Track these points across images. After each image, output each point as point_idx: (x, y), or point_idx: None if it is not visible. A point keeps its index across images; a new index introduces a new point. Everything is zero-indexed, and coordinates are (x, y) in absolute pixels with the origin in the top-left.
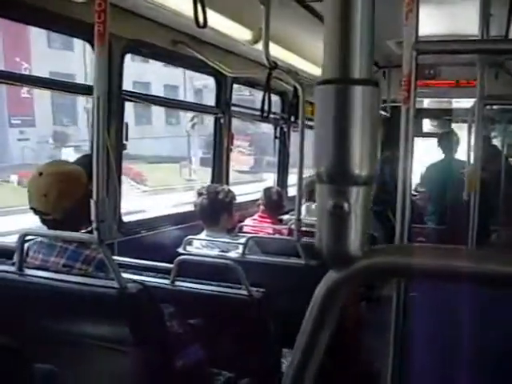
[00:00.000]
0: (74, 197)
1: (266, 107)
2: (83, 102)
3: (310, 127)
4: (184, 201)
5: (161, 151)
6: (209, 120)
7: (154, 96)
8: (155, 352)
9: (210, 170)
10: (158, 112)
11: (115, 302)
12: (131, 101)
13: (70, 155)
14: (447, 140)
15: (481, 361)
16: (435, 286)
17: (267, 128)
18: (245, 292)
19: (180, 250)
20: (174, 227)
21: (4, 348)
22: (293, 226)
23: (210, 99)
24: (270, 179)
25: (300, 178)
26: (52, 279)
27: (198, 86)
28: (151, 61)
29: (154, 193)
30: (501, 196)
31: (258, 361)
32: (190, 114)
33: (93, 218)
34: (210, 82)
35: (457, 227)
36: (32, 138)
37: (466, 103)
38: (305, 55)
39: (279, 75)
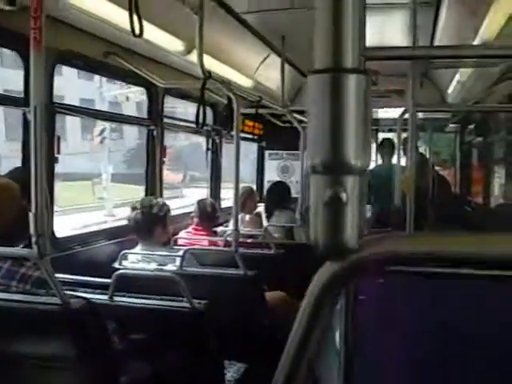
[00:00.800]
0: (8, 213)
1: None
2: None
3: (243, 138)
4: (91, 221)
5: (75, 168)
6: (129, 133)
7: (86, 108)
8: (101, 368)
9: (123, 186)
10: (72, 127)
11: (58, 318)
12: (62, 113)
13: None
14: (387, 147)
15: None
16: (385, 289)
17: (189, 142)
18: (187, 304)
19: (116, 265)
20: (109, 242)
21: None
22: (229, 238)
23: (130, 111)
24: (192, 194)
25: (236, 188)
26: None
27: (119, 97)
28: (64, 73)
29: (62, 213)
30: (429, 200)
31: (202, 373)
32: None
33: (32, 231)
34: (131, 94)
35: (396, 227)
36: None
37: (392, 113)
38: (236, 66)
39: (212, 86)
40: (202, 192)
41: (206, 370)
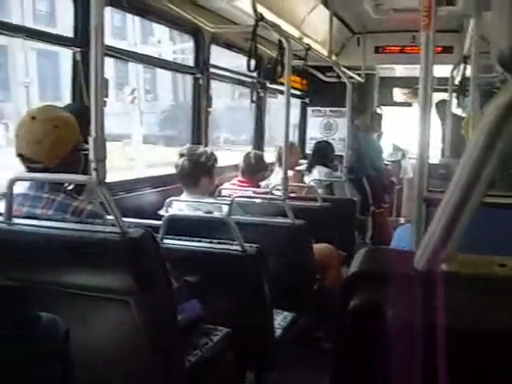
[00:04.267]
0: (68, 144)
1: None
2: (22, 77)
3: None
4: None
5: (107, 129)
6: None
7: (133, 52)
8: (160, 301)
9: (155, 148)
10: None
11: (117, 247)
12: (111, 56)
13: None
14: (444, 108)
15: None
16: None
17: (223, 104)
18: (238, 248)
19: (162, 212)
20: (154, 190)
21: (9, 289)
22: (274, 191)
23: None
24: (225, 157)
25: (286, 141)
26: (46, 227)
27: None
28: None
29: None
30: None
31: (252, 317)
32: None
33: (91, 157)
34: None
35: None
36: None
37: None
38: (284, 15)
39: (261, 31)
40: (236, 154)
41: (257, 314)
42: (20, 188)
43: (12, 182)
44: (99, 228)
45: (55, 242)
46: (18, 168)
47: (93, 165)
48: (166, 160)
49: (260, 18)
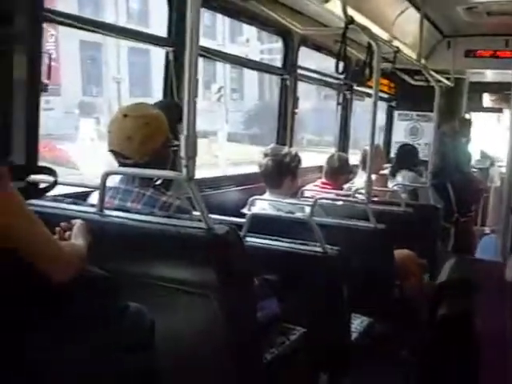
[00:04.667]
0: (157, 141)
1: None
2: (113, 73)
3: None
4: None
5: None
6: (249, 95)
7: (223, 52)
8: (241, 297)
9: (239, 146)
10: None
11: (202, 242)
12: (203, 56)
13: (88, 127)
14: None
15: None
16: None
17: (309, 105)
18: (319, 249)
19: (244, 210)
20: (237, 188)
21: (101, 279)
22: (357, 194)
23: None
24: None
25: (372, 144)
26: (135, 220)
27: None
28: None
29: None
30: None
31: (330, 319)
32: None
33: (182, 153)
34: None
35: None
36: (57, 108)
37: None
38: (374, 17)
39: (351, 34)
40: (319, 156)
41: (334, 316)
42: (110, 181)
43: (105, 176)
44: (186, 223)
45: (143, 234)
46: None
47: (183, 162)
48: (250, 158)
49: (350, 20)
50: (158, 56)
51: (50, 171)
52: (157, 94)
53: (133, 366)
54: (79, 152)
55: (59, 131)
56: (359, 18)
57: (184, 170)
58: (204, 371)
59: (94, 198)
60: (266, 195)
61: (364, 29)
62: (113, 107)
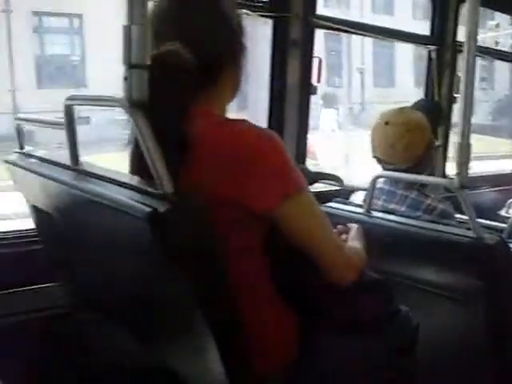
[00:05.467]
0: (420, 147)
1: None
2: (357, 63)
3: None
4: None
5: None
6: (499, 84)
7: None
8: (507, 308)
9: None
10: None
11: (469, 251)
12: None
13: (329, 117)
14: None
15: None
16: None
17: None
18: None
19: (502, 212)
20: (495, 188)
21: (379, 282)
22: None
23: None
24: None
25: None
26: (401, 223)
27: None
28: None
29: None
30: None
31: None
32: None
33: (456, 160)
34: None
35: None
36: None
37: None
38: None
39: None
40: None
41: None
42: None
43: (375, 179)
44: (453, 230)
45: (408, 237)
46: None
47: (455, 170)
48: (495, 151)
49: None
50: (403, 48)
51: (334, 178)
52: (400, 85)
53: (396, 371)
54: (319, 142)
55: None
56: None
57: (456, 178)
58: (461, 381)
59: (356, 198)
60: None
61: None
62: (353, 98)
